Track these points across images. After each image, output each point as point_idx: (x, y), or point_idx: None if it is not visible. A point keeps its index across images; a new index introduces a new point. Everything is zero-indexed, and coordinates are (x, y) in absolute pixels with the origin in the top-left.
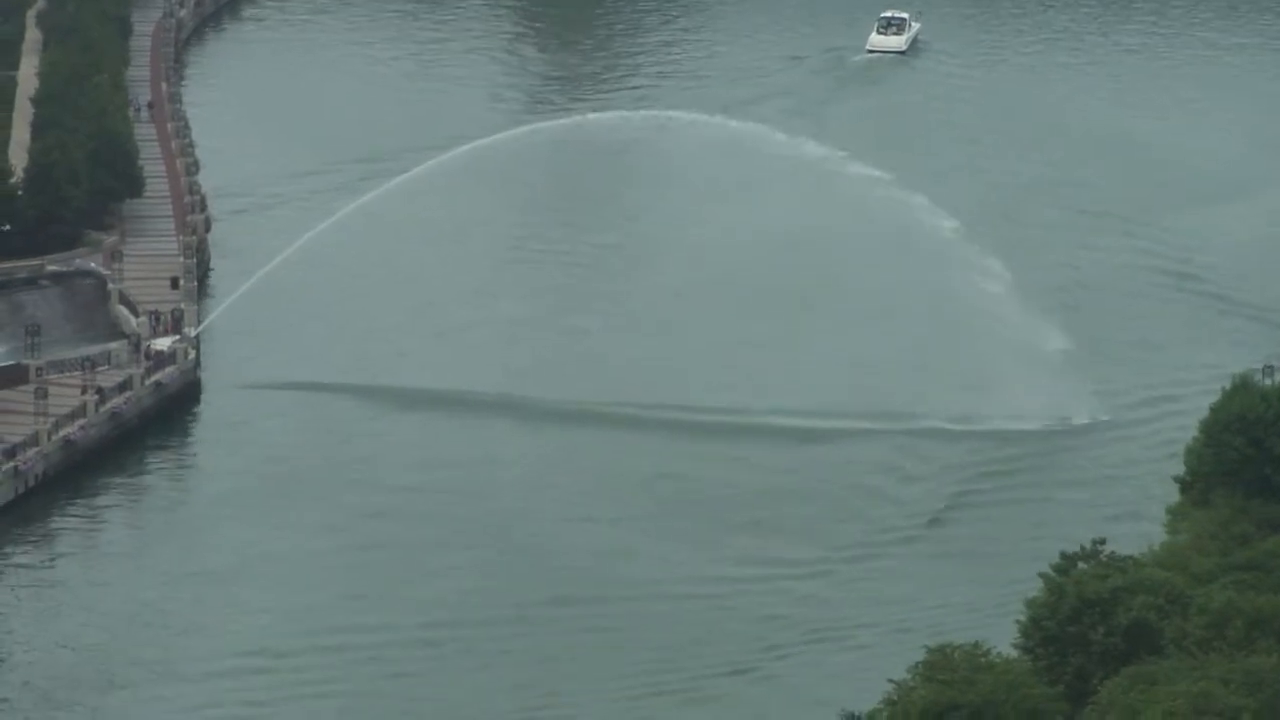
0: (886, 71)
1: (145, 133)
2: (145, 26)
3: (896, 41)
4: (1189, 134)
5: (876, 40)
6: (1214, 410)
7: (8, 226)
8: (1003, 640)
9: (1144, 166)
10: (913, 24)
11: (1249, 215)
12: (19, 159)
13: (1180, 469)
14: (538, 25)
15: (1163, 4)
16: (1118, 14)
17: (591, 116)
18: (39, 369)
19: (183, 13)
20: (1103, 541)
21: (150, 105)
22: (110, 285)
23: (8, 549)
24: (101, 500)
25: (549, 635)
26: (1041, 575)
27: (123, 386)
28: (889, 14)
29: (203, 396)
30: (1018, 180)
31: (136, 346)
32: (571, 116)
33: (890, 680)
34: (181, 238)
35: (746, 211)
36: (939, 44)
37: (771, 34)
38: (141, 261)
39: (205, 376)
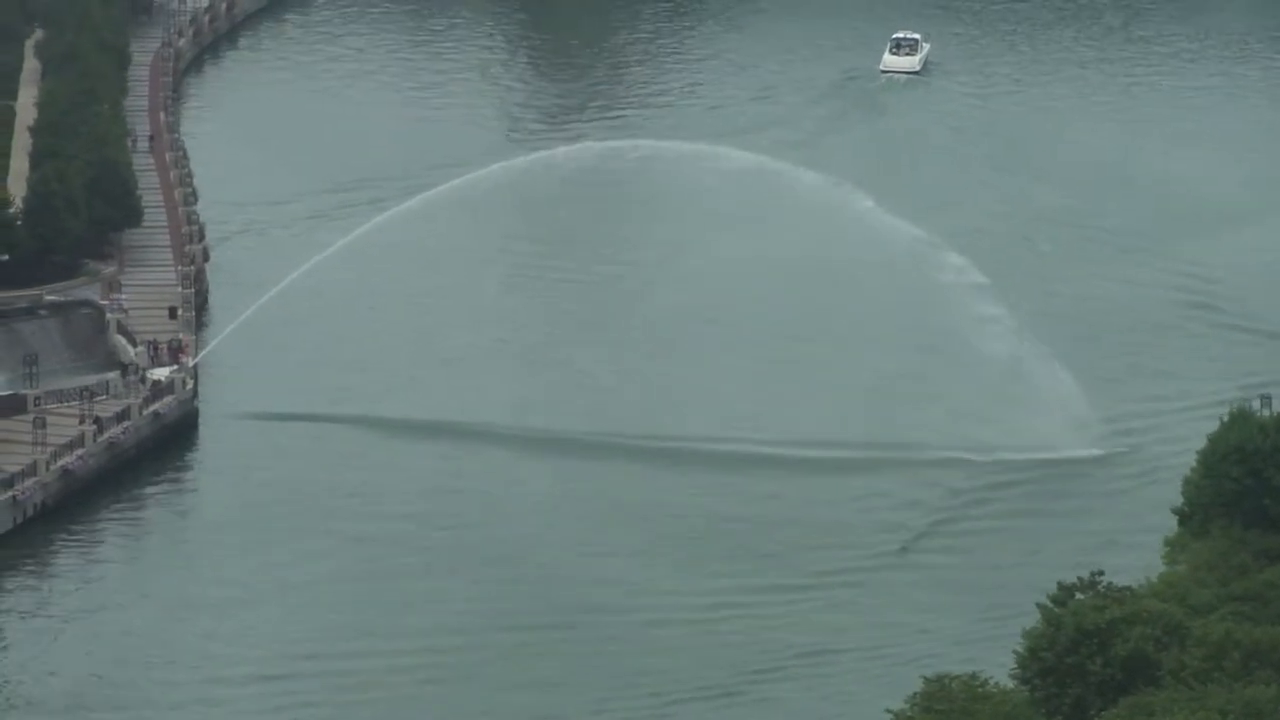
0: (905, 93)
1: (144, 162)
2: (144, 56)
3: (910, 62)
4: (1196, 161)
5: (890, 61)
6: (1212, 441)
7: (6, 256)
8: (1000, 670)
9: (1151, 193)
10: (924, 45)
11: (1257, 243)
12: (18, 189)
13: (1179, 499)
14: (538, 54)
15: (1164, 31)
16: (1118, 33)
17: (595, 145)
18: (37, 399)
19: (181, 42)
20: (1100, 572)
21: (151, 139)
22: (108, 315)
23: (6, 578)
24: (99, 530)
25: (545, 660)
26: (1039, 606)
27: (121, 416)
28: (900, 35)
29: (201, 426)
30: (1029, 206)
31: (142, 380)
32: (573, 145)
33: (888, 710)
34: (180, 267)
35: (750, 242)
36: (949, 65)
37: (781, 58)
38: (140, 291)
39: (203, 406)
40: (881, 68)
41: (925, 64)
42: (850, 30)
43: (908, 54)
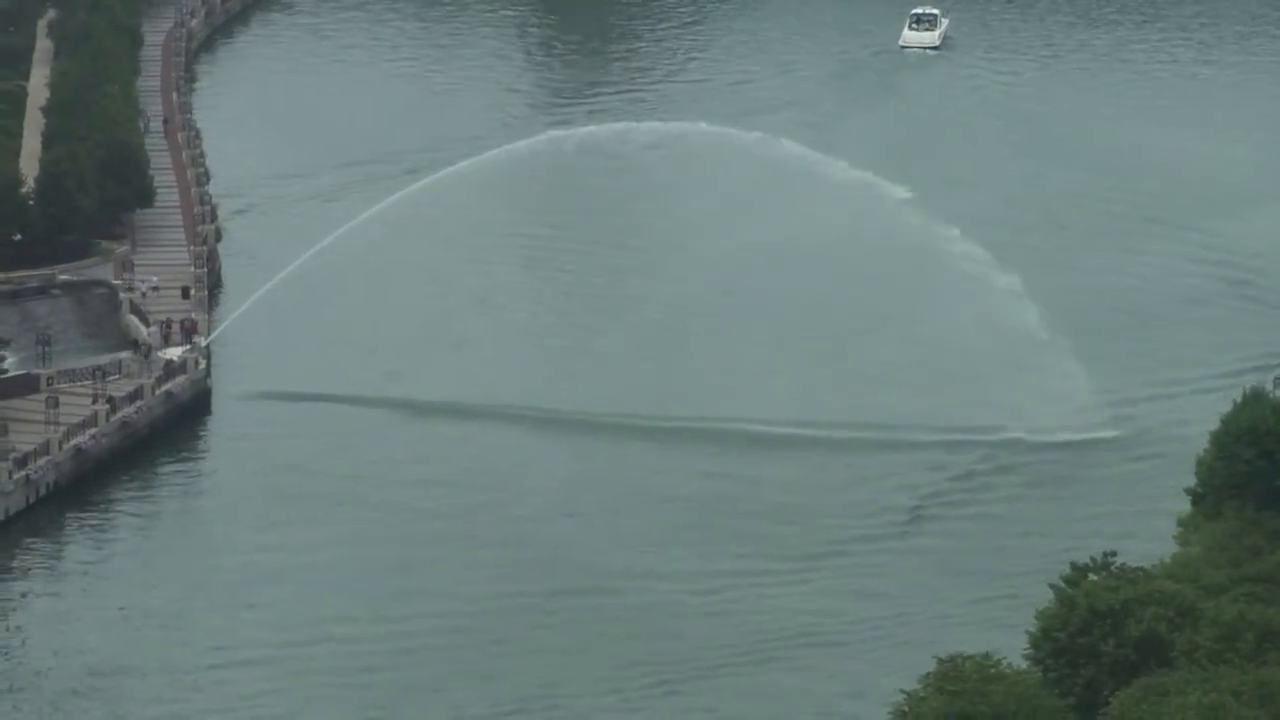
0: (924, 68)
1: (156, 143)
2: (156, 37)
3: (930, 37)
4: (1214, 140)
5: (910, 36)
6: (1225, 422)
7: (19, 236)
8: (1013, 651)
9: (1169, 172)
10: (943, 20)
11: (1275, 224)
12: (30, 169)
13: (1192, 480)
14: (553, 33)
15: (1181, 10)
16: (1134, 11)
17: (617, 126)
18: (50, 378)
19: (194, 23)
20: (1113, 553)
21: (165, 122)
22: (121, 295)
23: (19, 557)
24: (112, 509)
25: (556, 638)
26: (1052, 586)
27: (133, 396)
28: (920, 10)
29: (213, 406)
30: (1048, 184)
31: (147, 356)
32: (586, 126)
33: (901, 690)
34: (192, 247)
35: (765, 224)
36: (967, 40)
37: (800, 34)
38: (152, 271)
39: (216, 386)
40: (901, 43)
41: (944, 39)
42: (868, 6)
43: (927, 29)
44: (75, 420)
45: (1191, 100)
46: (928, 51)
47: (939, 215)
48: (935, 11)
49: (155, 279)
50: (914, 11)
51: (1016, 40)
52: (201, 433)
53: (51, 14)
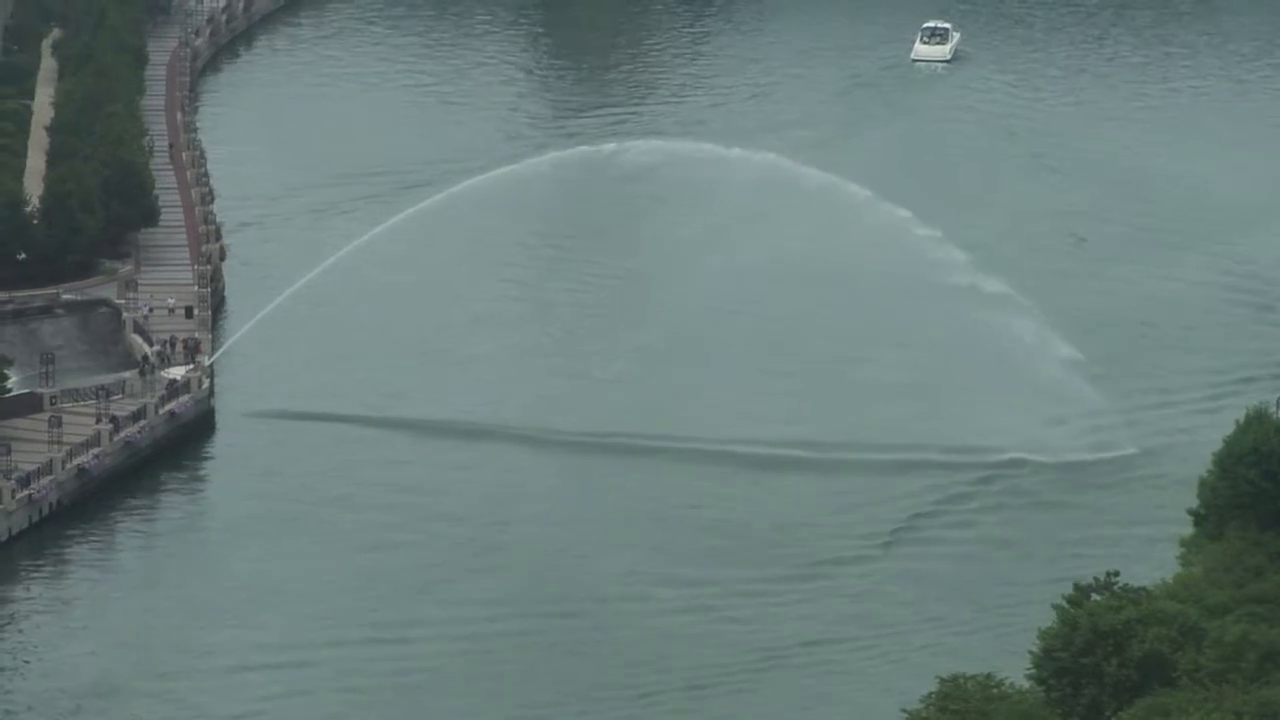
0: (938, 80)
1: (161, 162)
2: (161, 56)
3: (941, 51)
4: (1222, 158)
5: (922, 50)
6: (1227, 443)
7: (23, 255)
8: (1015, 671)
9: (1171, 190)
10: (954, 34)
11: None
12: (35, 188)
13: (1195, 501)
14: (559, 50)
15: (1185, 30)
16: (1142, 33)
17: (629, 144)
18: (53, 397)
19: (198, 42)
20: (1116, 573)
21: (171, 146)
22: (125, 314)
23: (22, 576)
24: (115, 529)
25: (557, 655)
26: (1055, 606)
27: (137, 415)
28: (932, 24)
29: (216, 426)
30: (1056, 199)
31: (150, 375)
32: (595, 145)
33: (903, 709)
34: (196, 267)
35: (768, 243)
36: (977, 54)
37: (810, 52)
38: (156, 291)
39: (219, 405)
40: (913, 57)
41: (955, 53)
42: (880, 21)
43: (939, 43)
44: (78, 440)
45: (1203, 117)
46: (939, 66)
47: (945, 231)
48: (947, 26)
49: (172, 300)
50: (925, 26)
51: (1027, 55)
52: (204, 452)
53: (56, 33)
